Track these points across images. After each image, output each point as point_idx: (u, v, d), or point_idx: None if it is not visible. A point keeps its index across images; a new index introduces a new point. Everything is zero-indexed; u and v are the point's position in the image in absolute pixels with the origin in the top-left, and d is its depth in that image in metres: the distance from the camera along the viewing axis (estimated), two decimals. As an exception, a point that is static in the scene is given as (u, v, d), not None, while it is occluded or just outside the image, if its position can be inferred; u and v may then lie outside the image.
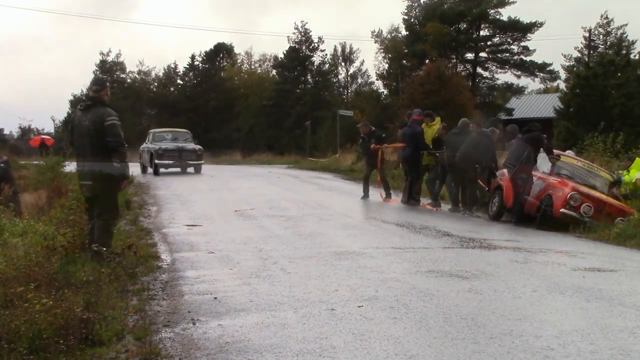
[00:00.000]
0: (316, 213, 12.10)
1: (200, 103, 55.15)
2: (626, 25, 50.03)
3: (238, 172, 25.25)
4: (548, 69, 48.48)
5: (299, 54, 54.83)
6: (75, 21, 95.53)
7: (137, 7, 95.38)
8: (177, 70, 58.83)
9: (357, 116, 41.60)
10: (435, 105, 30.20)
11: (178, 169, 23.52)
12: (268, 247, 8.30)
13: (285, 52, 55.72)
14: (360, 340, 4.50)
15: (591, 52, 48.42)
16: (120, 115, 7.44)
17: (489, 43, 49.04)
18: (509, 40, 48.61)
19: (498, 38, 48.98)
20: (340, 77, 59.51)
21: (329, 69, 57.06)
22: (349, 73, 59.33)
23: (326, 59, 56.66)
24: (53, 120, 75.67)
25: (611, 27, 49.58)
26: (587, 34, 48.45)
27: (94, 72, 54.87)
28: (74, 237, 7.12)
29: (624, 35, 48.69)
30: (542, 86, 54.24)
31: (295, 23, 63.69)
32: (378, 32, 55.94)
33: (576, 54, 50.29)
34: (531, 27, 47.39)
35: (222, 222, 10.92)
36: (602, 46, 49.69)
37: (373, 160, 15.12)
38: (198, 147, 23.68)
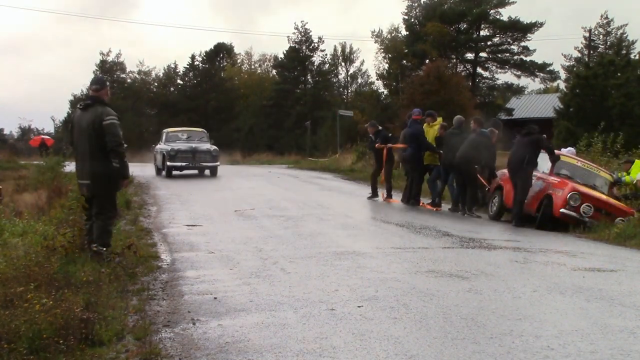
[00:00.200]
0: (316, 213, 12.09)
1: (200, 103, 55.20)
2: (626, 25, 50.04)
3: (238, 172, 25.22)
4: (548, 69, 48.53)
5: (299, 54, 54.84)
6: (75, 21, 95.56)
7: (137, 7, 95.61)
8: (177, 70, 58.95)
9: (357, 116, 41.63)
10: (435, 105, 30.11)
11: (195, 171, 21.59)
12: (268, 247, 8.29)
13: (285, 52, 55.83)
14: (360, 340, 4.50)
15: (591, 52, 48.47)
16: (120, 115, 7.40)
17: (489, 43, 49.06)
18: (509, 40, 48.66)
19: (498, 38, 49.02)
20: (340, 77, 59.72)
21: (329, 69, 57.09)
22: (349, 73, 59.50)
23: (326, 59, 56.83)
24: (53, 120, 75.96)
25: (611, 27, 49.70)
26: (587, 34, 48.58)
27: (94, 72, 54.70)
28: (74, 237, 7.13)
29: (624, 35, 48.83)
30: (542, 86, 54.38)
31: (295, 23, 63.88)
32: (378, 32, 56.24)
33: (576, 54, 50.42)
34: (531, 27, 47.41)
35: (222, 222, 10.91)
36: (602, 46, 49.74)
37: (380, 159, 15.14)
38: (213, 147, 21.60)
